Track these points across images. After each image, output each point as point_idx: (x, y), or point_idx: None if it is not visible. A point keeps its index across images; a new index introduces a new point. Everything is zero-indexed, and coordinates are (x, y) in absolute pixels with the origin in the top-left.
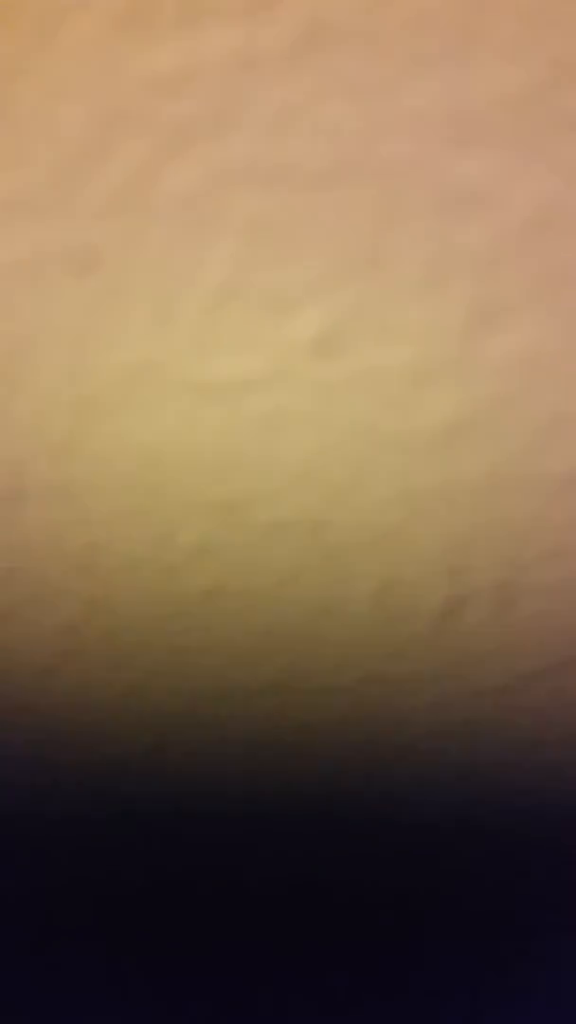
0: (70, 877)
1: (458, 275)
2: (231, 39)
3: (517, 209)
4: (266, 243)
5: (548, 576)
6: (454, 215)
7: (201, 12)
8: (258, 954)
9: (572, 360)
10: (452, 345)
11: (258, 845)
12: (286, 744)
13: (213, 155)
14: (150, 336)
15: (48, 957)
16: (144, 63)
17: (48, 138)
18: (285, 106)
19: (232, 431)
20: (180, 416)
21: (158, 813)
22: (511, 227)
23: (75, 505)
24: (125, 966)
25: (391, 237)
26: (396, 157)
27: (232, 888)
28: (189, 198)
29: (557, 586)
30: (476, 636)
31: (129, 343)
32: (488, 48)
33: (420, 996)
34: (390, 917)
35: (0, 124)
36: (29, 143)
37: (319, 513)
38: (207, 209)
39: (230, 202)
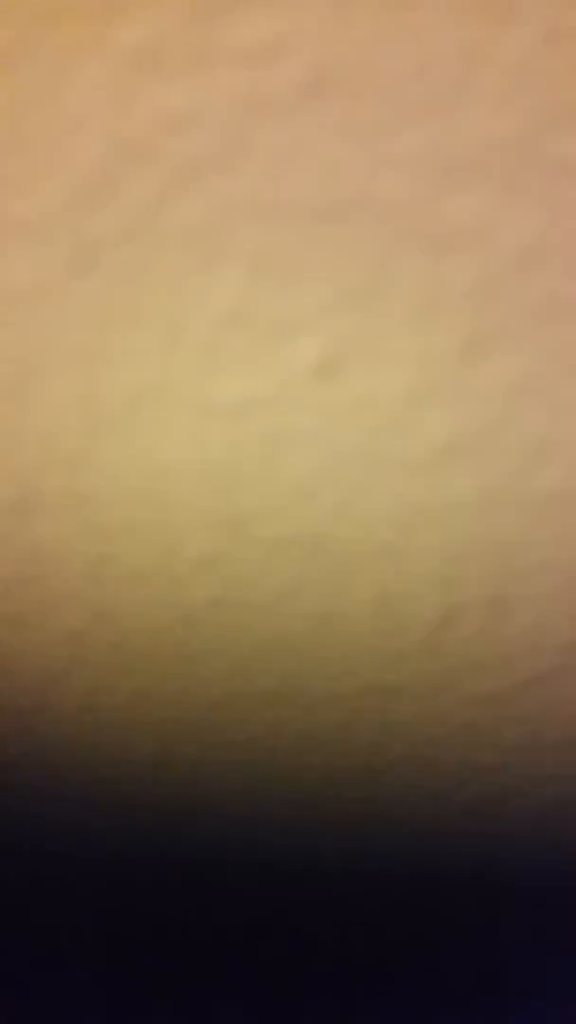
0: (71, 881)
1: (451, 306)
2: (239, 82)
3: (506, 245)
4: (269, 273)
5: (539, 587)
6: (447, 250)
7: (211, 56)
8: (256, 961)
9: (559, 387)
10: (446, 371)
11: (259, 850)
12: (287, 751)
13: (219, 190)
14: (159, 358)
15: (46, 964)
16: (155, 101)
17: (61, 169)
18: (288, 146)
19: (236, 449)
20: (186, 434)
21: (161, 819)
22: (501, 262)
23: (84, 517)
24: (125, 976)
25: (388, 269)
26: (393, 195)
27: (232, 893)
28: (196, 230)
29: (548, 597)
30: (471, 646)
31: (138, 365)
32: (479, 96)
33: (419, 1003)
34: (388, 923)
35: (16, 153)
36: (43, 173)
37: (319, 528)
38: (213, 240)
39: (235, 234)
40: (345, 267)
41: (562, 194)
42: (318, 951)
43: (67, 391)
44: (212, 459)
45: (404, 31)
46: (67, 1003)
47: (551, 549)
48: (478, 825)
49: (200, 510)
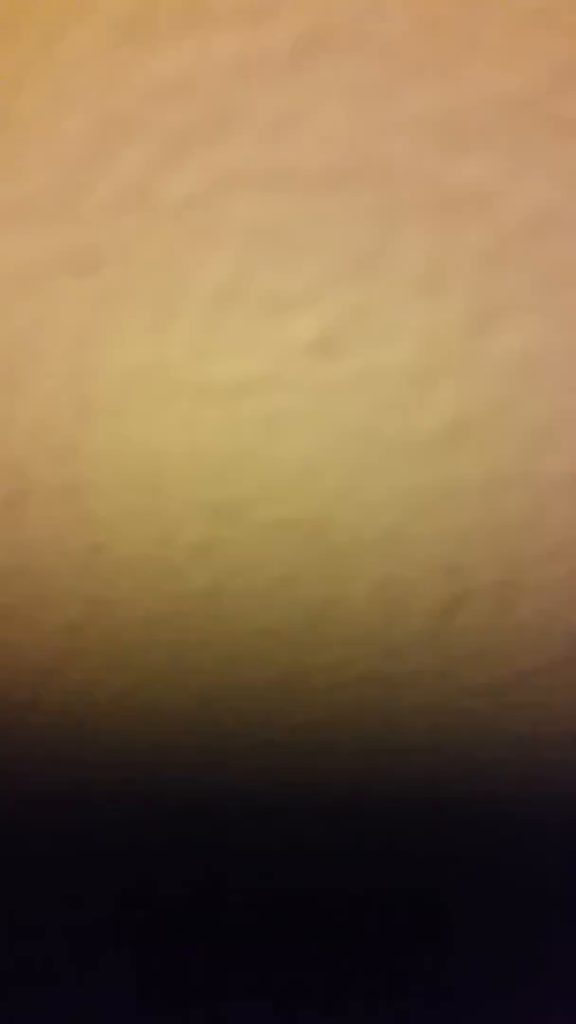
0: (71, 876)
1: (456, 277)
2: (231, 45)
3: (514, 212)
4: (266, 246)
5: (546, 575)
6: (452, 217)
7: (201, 19)
8: (255, 946)
9: (570, 361)
10: (451, 346)
11: (258, 841)
12: (286, 741)
13: (213, 160)
14: (151, 338)
15: (42, 962)
16: (145, 70)
17: (50, 144)
18: (285, 111)
19: (232, 432)
20: (181, 417)
21: (159, 811)
22: (509, 229)
23: (77, 505)
24: (123, 963)
25: (390, 239)
26: (394, 160)
27: (231, 884)
28: (190, 202)
29: (555, 585)
30: (475, 634)
31: (131, 345)
32: (485, 53)
33: (417, 1002)
34: (387, 911)
35: (2, 130)
36: (32, 149)
37: (319, 513)
38: (208, 213)
39: (231, 206)
40: (345, 238)
41: (572, 157)
42: (317, 947)
43: (57, 375)
44: (207, 442)
45: None
46: (65, 1004)
47: (559, 534)
48: (480, 816)
49: (195, 496)
